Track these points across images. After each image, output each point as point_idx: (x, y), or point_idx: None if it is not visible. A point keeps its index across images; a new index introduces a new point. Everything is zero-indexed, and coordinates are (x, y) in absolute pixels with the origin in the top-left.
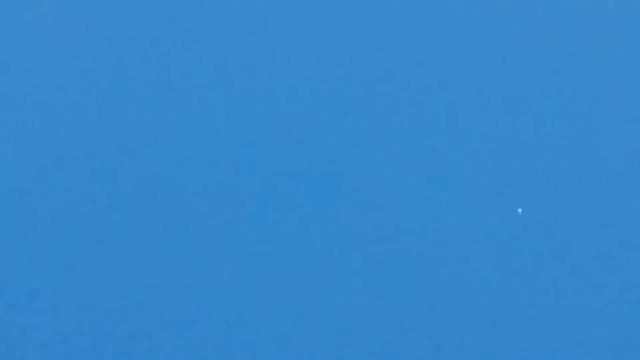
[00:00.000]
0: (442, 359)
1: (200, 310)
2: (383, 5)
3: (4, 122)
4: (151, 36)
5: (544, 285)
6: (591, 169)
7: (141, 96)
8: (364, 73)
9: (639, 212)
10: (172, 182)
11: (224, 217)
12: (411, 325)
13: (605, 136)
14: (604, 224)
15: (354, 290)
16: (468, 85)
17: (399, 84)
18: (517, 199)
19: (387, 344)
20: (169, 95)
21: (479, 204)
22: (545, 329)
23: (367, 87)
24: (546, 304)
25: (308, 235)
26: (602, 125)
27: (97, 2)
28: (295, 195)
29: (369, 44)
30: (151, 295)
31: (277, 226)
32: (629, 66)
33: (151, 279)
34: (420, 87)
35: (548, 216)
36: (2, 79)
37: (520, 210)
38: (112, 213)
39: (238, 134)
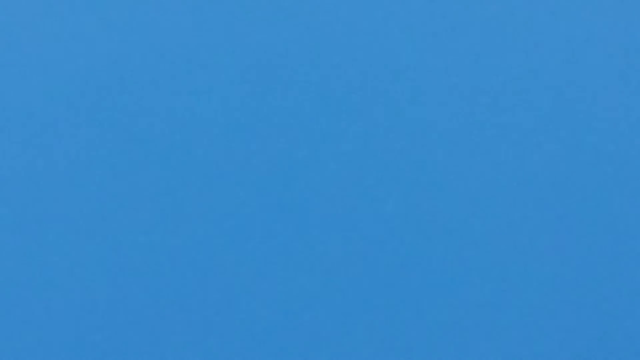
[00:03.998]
0: (442, 358)
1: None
2: (384, 5)
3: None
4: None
5: (543, 286)
6: (590, 169)
7: (140, 96)
8: (364, 74)
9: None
10: (171, 182)
11: (223, 217)
12: (411, 325)
13: (605, 137)
14: (603, 224)
15: (353, 290)
16: (467, 85)
17: (399, 84)
18: (517, 199)
19: (386, 344)
20: (168, 95)
21: (478, 204)
22: (544, 328)
23: (367, 87)
24: (545, 304)
25: (307, 235)
26: (601, 125)
27: (97, 3)
28: (295, 195)
29: (368, 44)
30: (150, 295)
31: (276, 226)
32: (630, 66)
33: (150, 279)
34: (420, 87)
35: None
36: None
37: None
38: (112, 214)
39: (237, 134)
